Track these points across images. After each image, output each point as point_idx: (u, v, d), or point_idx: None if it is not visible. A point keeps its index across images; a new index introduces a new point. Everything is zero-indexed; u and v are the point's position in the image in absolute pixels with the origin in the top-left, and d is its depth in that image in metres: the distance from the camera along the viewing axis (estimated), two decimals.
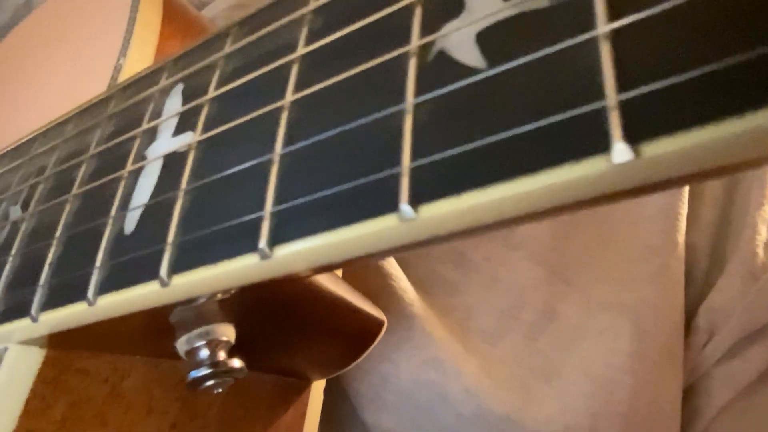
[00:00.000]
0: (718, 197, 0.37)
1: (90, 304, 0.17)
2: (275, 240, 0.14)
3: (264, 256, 0.14)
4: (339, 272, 0.28)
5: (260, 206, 0.14)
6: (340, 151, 0.13)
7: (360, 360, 0.30)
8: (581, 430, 0.31)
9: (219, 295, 0.20)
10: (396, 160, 0.12)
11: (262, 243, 0.14)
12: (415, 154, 0.12)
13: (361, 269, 0.32)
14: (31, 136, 0.26)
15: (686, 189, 0.36)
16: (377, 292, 0.33)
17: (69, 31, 0.35)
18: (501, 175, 0.11)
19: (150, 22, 0.29)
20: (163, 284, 0.16)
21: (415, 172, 0.12)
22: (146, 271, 0.16)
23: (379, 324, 0.29)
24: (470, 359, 0.32)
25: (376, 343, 0.29)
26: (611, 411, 0.31)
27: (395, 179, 0.12)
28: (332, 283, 0.26)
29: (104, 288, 0.17)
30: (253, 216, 0.14)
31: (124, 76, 0.27)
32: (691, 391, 0.35)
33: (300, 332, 0.26)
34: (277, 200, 0.14)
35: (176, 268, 0.15)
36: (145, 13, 0.29)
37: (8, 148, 0.27)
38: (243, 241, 0.14)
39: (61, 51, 0.34)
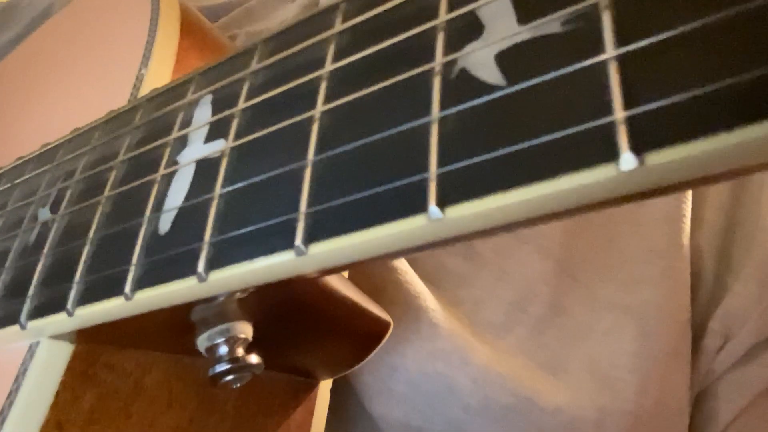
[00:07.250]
0: (723, 200, 0.37)
1: (127, 298, 0.18)
2: (311, 238, 0.15)
3: (300, 253, 0.15)
4: (345, 273, 0.29)
5: (295, 208, 0.15)
6: (370, 158, 0.15)
7: (365, 361, 0.31)
8: (587, 422, 0.32)
9: (238, 294, 0.21)
10: (424, 167, 0.13)
11: (298, 241, 0.15)
12: (442, 162, 0.13)
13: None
14: (56, 143, 0.27)
15: (689, 192, 0.36)
16: (384, 285, 0.33)
17: (86, 40, 0.37)
18: (520, 180, 0.12)
19: (170, 33, 0.30)
20: (201, 279, 0.17)
21: (441, 178, 0.13)
22: (184, 268, 0.17)
23: (386, 325, 0.30)
24: (478, 350, 0.33)
25: (382, 344, 0.30)
26: (618, 407, 0.32)
27: (424, 184, 0.13)
28: (342, 286, 0.27)
29: (141, 283, 0.18)
30: (288, 216, 0.15)
31: (146, 85, 0.28)
32: (706, 395, 0.35)
33: (311, 332, 0.28)
34: (311, 202, 0.15)
35: (213, 264, 0.17)
36: (165, 24, 0.30)
37: (32, 154, 0.29)
38: (279, 240, 0.15)
39: (79, 60, 0.36)
